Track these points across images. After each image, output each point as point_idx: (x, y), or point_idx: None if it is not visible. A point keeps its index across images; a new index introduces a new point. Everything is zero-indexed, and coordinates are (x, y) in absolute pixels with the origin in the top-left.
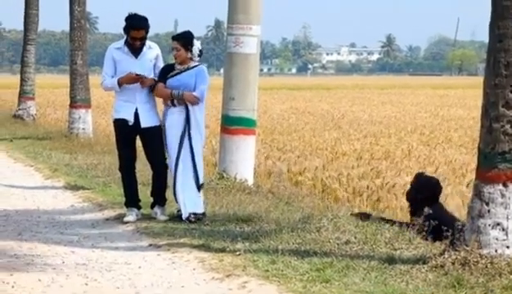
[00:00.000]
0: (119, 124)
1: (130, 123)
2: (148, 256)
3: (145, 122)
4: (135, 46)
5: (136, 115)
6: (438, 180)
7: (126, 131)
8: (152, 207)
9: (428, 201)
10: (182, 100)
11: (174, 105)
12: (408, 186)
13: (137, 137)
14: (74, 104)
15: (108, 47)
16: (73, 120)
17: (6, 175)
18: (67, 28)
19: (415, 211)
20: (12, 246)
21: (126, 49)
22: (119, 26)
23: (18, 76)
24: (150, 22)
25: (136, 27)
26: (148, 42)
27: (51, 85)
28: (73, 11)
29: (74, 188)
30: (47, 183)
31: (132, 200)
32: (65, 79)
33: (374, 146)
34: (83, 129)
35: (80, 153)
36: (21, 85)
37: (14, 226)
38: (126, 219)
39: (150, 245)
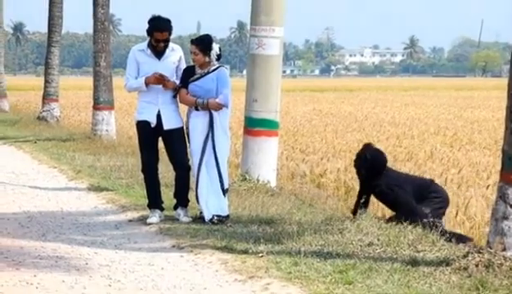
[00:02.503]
0: (142, 126)
1: (152, 125)
2: (171, 258)
3: (168, 123)
4: (158, 49)
5: (159, 117)
6: (383, 152)
7: (148, 133)
8: (175, 208)
9: (374, 171)
10: (207, 107)
11: (198, 110)
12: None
13: (160, 139)
14: (97, 106)
15: (131, 49)
16: (96, 122)
17: (30, 176)
18: (90, 30)
19: (363, 180)
20: (36, 247)
21: (149, 51)
22: (142, 28)
23: (42, 78)
24: (173, 24)
25: (159, 29)
26: (171, 45)
27: (75, 87)
28: (96, 13)
29: (97, 189)
30: (71, 184)
31: (154, 202)
32: (88, 81)
33: (397, 148)
34: (107, 131)
35: (103, 155)
36: (45, 87)
37: (38, 227)
38: (149, 220)
39: (173, 246)
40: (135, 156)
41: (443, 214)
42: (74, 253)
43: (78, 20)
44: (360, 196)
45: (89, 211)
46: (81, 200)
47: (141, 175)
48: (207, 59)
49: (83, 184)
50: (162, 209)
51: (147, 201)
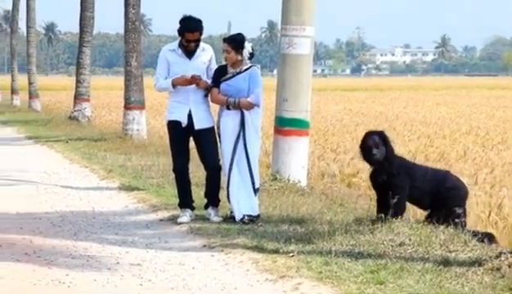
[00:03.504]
0: (173, 125)
1: (183, 125)
2: (202, 257)
3: (199, 123)
4: (189, 48)
5: (190, 116)
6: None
7: (179, 133)
8: (206, 208)
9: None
10: (239, 106)
11: (229, 109)
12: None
13: (191, 138)
14: (128, 106)
15: (162, 49)
16: (127, 121)
17: (62, 175)
18: (122, 30)
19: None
20: (68, 246)
21: (180, 51)
22: (172, 28)
23: (73, 78)
24: (203, 24)
25: (190, 29)
26: (202, 44)
27: (106, 87)
28: (127, 13)
29: (128, 189)
30: (102, 184)
31: (185, 201)
32: (119, 81)
33: (428, 148)
34: (137, 130)
35: (134, 155)
36: (77, 87)
37: (69, 226)
38: (180, 220)
39: (204, 246)
40: (166, 155)
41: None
42: (106, 252)
43: (109, 20)
44: (378, 195)
45: (120, 211)
46: (112, 199)
47: (172, 175)
48: (239, 57)
49: (114, 184)
50: (193, 208)
51: (178, 200)
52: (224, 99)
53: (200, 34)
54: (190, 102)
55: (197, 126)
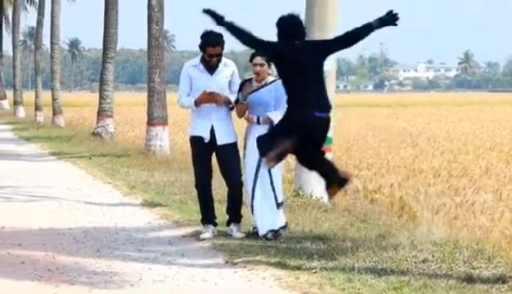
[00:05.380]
0: (195, 141)
1: (206, 140)
2: (224, 274)
3: (221, 139)
4: (211, 63)
5: (212, 132)
6: None
7: (202, 148)
8: (228, 224)
9: None
10: (268, 120)
11: (259, 123)
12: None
13: (214, 154)
14: (151, 122)
15: (184, 65)
16: (150, 137)
17: (85, 191)
18: (145, 46)
19: None
20: (91, 262)
21: (202, 66)
22: (195, 44)
23: (97, 94)
24: (225, 39)
25: (211, 43)
26: (224, 59)
27: (129, 103)
28: (151, 29)
29: (151, 205)
30: (125, 200)
31: (208, 217)
32: (142, 97)
33: (452, 163)
34: (160, 146)
35: (157, 171)
36: (100, 103)
37: (92, 243)
38: (202, 236)
39: (227, 262)
40: (188, 171)
41: None
42: (128, 269)
43: (132, 36)
44: None
45: (143, 227)
46: (135, 215)
47: (195, 191)
48: (269, 70)
49: (137, 200)
50: (215, 224)
51: (200, 216)
52: (247, 116)
53: (222, 49)
54: (212, 118)
55: (219, 141)
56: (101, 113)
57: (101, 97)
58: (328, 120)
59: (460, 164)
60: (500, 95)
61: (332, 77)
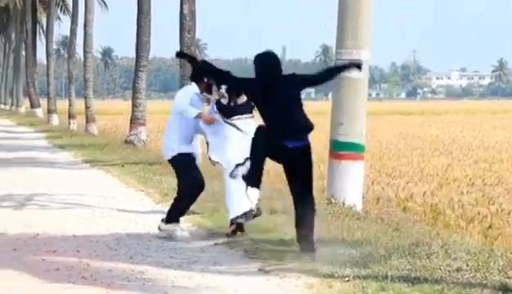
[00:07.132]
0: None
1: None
2: (257, 281)
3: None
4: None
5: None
6: None
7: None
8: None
9: None
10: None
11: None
12: None
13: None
14: None
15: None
16: None
17: (118, 199)
18: None
19: None
20: (124, 269)
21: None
22: (228, 52)
23: (129, 102)
24: (257, 48)
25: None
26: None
27: (162, 111)
28: (183, 38)
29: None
30: (157, 207)
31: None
32: None
33: (486, 172)
34: None
35: None
36: (132, 111)
37: (125, 250)
38: (184, 234)
39: (259, 270)
40: (220, 179)
41: None
42: (162, 276)
43: (165, 44)
44: None
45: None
46: None
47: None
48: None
49: None
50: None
51: (178, 216)
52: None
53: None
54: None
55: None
56: (134, 121)
57: (134, 105)
58: (305, 148)
59: (494, 173)
60: None
61: (364, 85)
